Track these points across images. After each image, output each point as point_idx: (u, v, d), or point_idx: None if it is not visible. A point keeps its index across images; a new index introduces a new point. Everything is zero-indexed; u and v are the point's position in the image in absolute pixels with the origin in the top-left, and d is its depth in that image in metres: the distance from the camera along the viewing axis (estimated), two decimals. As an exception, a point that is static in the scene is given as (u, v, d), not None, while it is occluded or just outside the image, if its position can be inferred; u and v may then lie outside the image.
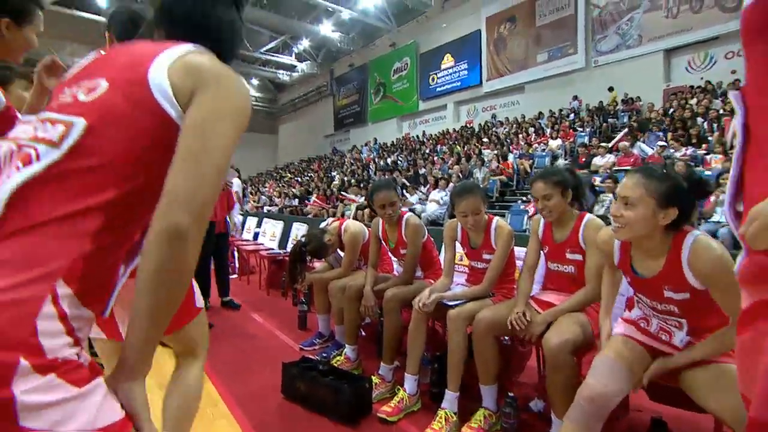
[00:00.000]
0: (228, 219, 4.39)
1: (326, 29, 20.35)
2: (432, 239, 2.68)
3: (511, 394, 1.71)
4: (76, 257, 0.52)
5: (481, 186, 8.90)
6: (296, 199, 13.27)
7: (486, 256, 2.24)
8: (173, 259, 0.56)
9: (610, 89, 12.07)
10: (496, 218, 2.26)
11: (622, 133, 9.09)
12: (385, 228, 2.62)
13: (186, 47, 0.66)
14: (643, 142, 8.33)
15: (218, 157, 0.61)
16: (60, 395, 0.47)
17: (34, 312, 0.47)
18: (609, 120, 10.73)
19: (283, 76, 26.08)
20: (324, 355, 2.70)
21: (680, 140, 7.72)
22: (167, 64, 0.62)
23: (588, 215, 1.89)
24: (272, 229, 6.10)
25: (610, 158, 7.99)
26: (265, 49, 23.49)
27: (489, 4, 15.92)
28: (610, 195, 6.12)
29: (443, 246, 2.46)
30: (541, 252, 2.06)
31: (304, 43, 22.79)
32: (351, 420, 1.90)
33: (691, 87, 10.43)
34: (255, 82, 29.36)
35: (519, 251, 2.84)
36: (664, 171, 1.31)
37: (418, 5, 17.64)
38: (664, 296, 1.38)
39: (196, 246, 0.58)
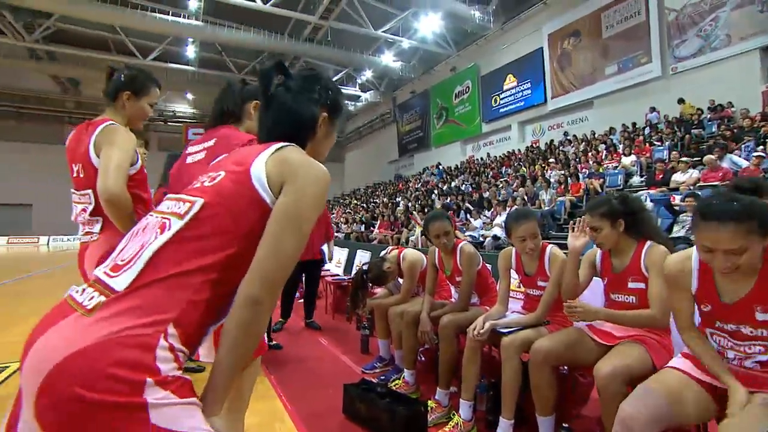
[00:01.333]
0: (326, 247, 4.74)
1: (387, 59, 21.26)
2: (487, 266, 2.71)
3: (565, 425, 1.68)
4: (183, 308, 0.71)
5: (549, 207, 8.62)
6: (362, 225, 13.71)
7: (541, 284, 2.24)
8: (249, 320, 0.74)
9: (680, 101, 11.10)
10: (550, 245, 2.27)
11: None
12: (441, 256, 2.71)
13: (278, 145, 0.87)
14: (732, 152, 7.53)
15: (292, 243, 0.78)
16: (172, 400, 0.65)
17: (155, 344, 0.66)
18: (693, 131, 9.84)
19: (348, 106, 27.48)
20: (383, 378, 2.81)
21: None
22: (264, 160, 0.83)
23: (649, 242, 1.82)
24: (338, 255, 6.39)
25: (694, 173, 7.32)
26: (331, 82, 24.98)
27: (550, 21, 15.66)
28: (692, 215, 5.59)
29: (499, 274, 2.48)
30: (601, 282, 2.02)
31: (367, 74, 23.93)
32: (407, 443, 1.97)
33: (801, 86, 9.26)
34: (323, 114, 31.15)
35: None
36: (739, 202, 1.17)
37: (477, 29, 17.83)
38: (756, 320, 1.26)
39: (268, 312, 0.76)
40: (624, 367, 1.53)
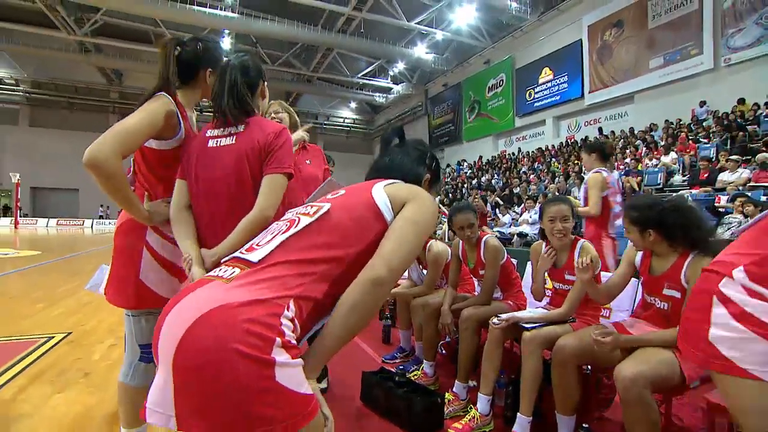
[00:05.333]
0: None
1: (420, 51, 21.02)
2: (512, 260, 2.65)
3: (585, 425, 1.63)
4: (304, 290, 0.81)
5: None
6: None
7: (569, 278, 2.17)
8: (368, 298, 0.82)
9: (741, 101, 10.30)
10: (582, 240, 2.20)
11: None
12: (465, 248, 2.67)
13: (393, 180, 1.05)
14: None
15: (413, 242, 0.90)
16: (293, 362, 0.74)
17: (281, 312, 0.76)
18: (748, 128, 9.17)
19: (380, 98, 27.42)
20: (402, 368, 2.80)
21: None
22: (383, 186, 0.98)
23: (695, 251, 1.65)
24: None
25: (744, 173, 6.88)
26: (362, 73, 25.02)
27: (591, 11, 15.00)
28: (739, 216, 5.27)
29: (529, 265, 2.43)
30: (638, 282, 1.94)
31: (399, 66, 23.76)
32: (422, 432, 1.97)
33: None
34: (353, 105, 31.28)
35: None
36: None
37: (514, 20, 17.34)
38: None
39: (385, 295, 0.85)
40: (648, 372, 1.46)
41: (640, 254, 1.88)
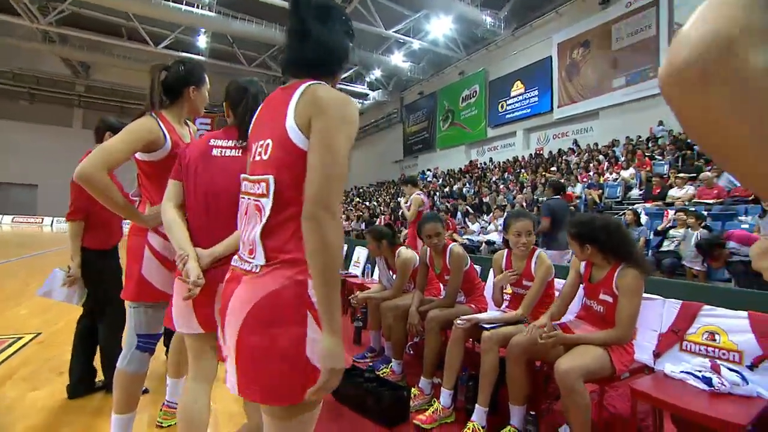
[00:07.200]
0: None
1: (397, 59, 21.37)
2: (476, 268, 2.87)
3: (532, 413, 1.85)
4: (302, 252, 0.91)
5: (546, 215, 8.78)
6: (363, 223, 13.88)
7: (526, 283, 2.41)
8: (316, 238, 0.86)
9: None
10: (539, 250, 2.45)
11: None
12: (432, 255, 2.88)
13: (303, 86, 0.95)
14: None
15: (336, 163, 0.88)
16: (317, 335, 0.90)
17: (307, 283, 0.91)
18: (695, 147, 9.95)
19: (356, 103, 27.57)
20: (372, 366, 2.97)
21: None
22: (293, 110, 0.93)
23: (622, 264, 1.92)
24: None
25: (689, 190, 7.46)
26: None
27: (561, 30, 15.74)
28: (683, 230, 5.74)
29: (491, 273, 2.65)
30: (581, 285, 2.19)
31: (376, 73, 24.02)
32: (389, 424, 2.14)
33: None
34: (330, 110, 31.28)
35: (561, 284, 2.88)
36: None
37: (488, 34, 17.92)
38: None
39: (330, 226, 0.85)
40: (581, 365, 1.70)
41: (583, 264, 2.14)
